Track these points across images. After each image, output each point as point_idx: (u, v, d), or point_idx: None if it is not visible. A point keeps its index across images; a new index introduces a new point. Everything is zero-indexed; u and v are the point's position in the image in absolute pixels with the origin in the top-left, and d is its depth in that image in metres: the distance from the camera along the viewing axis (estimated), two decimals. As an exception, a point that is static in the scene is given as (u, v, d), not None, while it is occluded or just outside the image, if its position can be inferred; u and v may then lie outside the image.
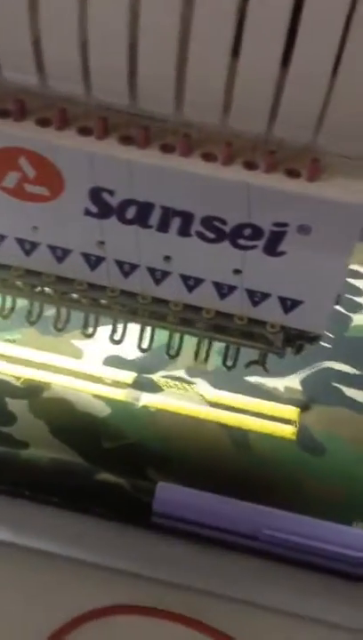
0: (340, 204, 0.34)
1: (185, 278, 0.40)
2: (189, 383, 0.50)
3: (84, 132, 0.35)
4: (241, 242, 0.37)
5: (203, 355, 0.47)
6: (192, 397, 0.50)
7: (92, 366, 0.51)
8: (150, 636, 0.41)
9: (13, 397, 0.48)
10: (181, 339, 0.47)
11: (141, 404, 0.49)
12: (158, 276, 0.40)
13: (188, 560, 0.43)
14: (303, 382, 0.52)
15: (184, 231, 0.37)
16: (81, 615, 0.41)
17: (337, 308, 0.43)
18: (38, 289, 0.44)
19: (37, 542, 0.43)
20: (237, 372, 0.48)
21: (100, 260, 0.40)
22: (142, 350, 0.47)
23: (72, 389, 0.49)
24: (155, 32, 0.30)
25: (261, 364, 0.47)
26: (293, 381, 0.51)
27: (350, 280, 0.60)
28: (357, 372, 0.53)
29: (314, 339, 0.42)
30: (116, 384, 0.50)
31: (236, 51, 0.30)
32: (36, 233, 0.40)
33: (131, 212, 0.37)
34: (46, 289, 0.44)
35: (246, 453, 0.47)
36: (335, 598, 0.42)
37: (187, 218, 0.37)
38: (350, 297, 0.59)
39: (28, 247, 0.40)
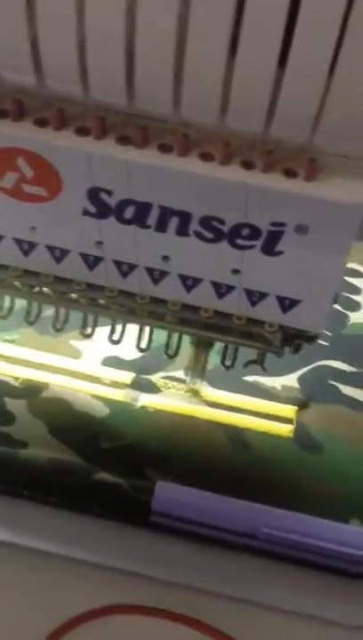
0: (337, 203, 0.34)
1: (183, 278, 0.40)
2: (188, 383, 0.50)
3: (82, 132, 0.35)
4: (239, 242, 0.37)
5: (201, 363, 0.47)
6: (190, 397, 0.50)
7: (90, 366, 0.51)
8: (149, 636, 0.41)
9: (12, 397, 0.48)
10: (180, 338, 0.47)
11: (139, 404, 0.49)
12: (157, 275, 0.40)
13: (186, 559, 0.43)
14: (301, 380, 0.52)
15: (182, 231, 0.37)
16: (80, 615, 0.41)
17: (334, 306, 0.43)
18: (37, 289, 0.44)
19: (36, 542, 0.43)
20: (234, 372, 0.48)
21: (98, 260, 0.40)
22: (141, 350, 0.47)
23: (71, 389, 0.49)
24: (152, 32, 0.30)
25: (259, 364, 0.47)
26: (290, 380, 0.52)
27: (348, 278, 0.60)
28: (354, 370, 0.53)
29: (312, 338, 0.42)
30: (115, 384, 0.50)
31: (233, 51, 0.30)
32: (35, 233, 0.40)
33: (129, 212, 0.37)
34: (45, 289, 0.44)
35: (245, 452, 0.47)
36: (333, 596, 0.42)
37: (185, 218, 0.37)
38: (348, 295, 0.59)
39: (27, 247, 0.40)
